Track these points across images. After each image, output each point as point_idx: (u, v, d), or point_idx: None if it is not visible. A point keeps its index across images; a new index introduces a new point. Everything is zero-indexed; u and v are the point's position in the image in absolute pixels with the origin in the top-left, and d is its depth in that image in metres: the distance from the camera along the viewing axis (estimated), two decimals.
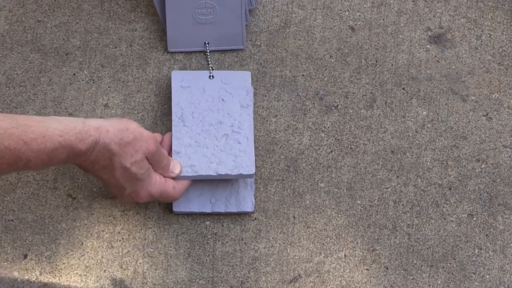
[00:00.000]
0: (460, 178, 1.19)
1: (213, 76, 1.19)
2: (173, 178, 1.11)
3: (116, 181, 1.05)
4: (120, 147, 1.02)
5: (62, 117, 1.02)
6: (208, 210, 1.15)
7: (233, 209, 1.15)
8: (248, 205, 1.15)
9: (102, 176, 1.05)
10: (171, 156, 1.13)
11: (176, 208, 1.15)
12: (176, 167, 1.11)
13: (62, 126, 0.99)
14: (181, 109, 1.16)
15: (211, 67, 1.21)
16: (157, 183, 1.09)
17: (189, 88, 1.17)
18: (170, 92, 1.20)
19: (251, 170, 1.12)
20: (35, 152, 0.96)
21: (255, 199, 1.17)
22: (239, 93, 1.17)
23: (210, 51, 1.21)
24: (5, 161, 0.95)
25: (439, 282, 1.15)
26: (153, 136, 1.07)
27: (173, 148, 1.13)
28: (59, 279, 1.14)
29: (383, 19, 1.27)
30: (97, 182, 1.18)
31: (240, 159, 1.13)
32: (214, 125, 1.15)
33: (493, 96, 1.23)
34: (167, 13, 1.17)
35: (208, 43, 1.20)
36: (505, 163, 1.20)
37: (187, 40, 1.19)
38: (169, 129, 1.19)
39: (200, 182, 1.15)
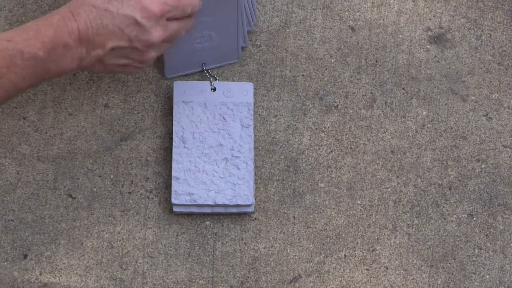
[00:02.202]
0: (460, 178, 1.19)
1: (215, 88, 1.19)
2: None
3: (121, 19, 0.99)
4: None
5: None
6: (208, 210, 1.16)
7: (233, 209, 1.16)
8: (248, 205, 1.16)
9: (106, 30, 0.98)
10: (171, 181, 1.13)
11: (176, 208, 1.15)
12: None
13: (33, 21, 0.98)
14: (182, 128, 1.16)
15: (212, 79, 1.20)
16: None
17: (190, 103, 1.17)
18: (171, 92, 1.20)
19: (249, 200, 1.14)
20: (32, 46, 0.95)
21: (255, 199, 1.17)
22: (240, 109, 1.17)
23: (207, 69, 1.21)
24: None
25: (439, 282, 1.15)
26: None
27: (173, 173, 1.15)
28: (59, 279, 1.14)
29: (383, 19, 1.27)
30: (97, 182, 1.18)
31: (238, 187, 1.15)
32: (214, 148, 1.16)
33: (493, 96, 1.23)
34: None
35: (204, 64, 1.20)
36: (505, 163, 1.20)
37: (185, 64, 1.20)
38: (169, 129, 1.19)
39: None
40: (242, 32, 1.18)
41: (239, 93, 1.19)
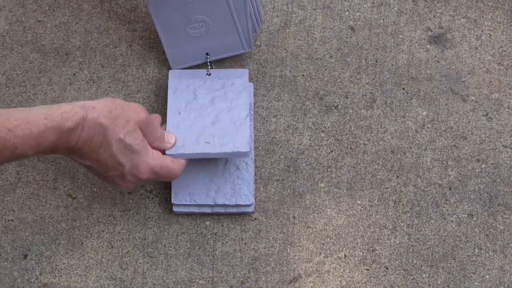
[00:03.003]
0: (460, 178, 1.19)
1: (210, 74, 1.18)
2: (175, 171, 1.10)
3: (113, 159, 1.02)
4: (110, 120, 0.99)
5: (47, 105, 1.00)
6: (208, 210, 1.16)
7: (233, 209, 1.16)
8: (248, 205, 1.16)
9: (98, 157, 1.01)
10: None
11: (176, 208, 1.15)
12: (170, 137, 1.09)
13: (46, 109, 0.96)
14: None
15: (210, 67, 1.20)
16: (155, 156, 1.05)
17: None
18: (167, 84, 1.20)
19: (249, 200, 1.14)
20: (21, 138, 0.93)
21: (255, 199, 1.17)
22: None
23: (214, 61, 1.21)
24: None
25: (439, 282, 1.15)
26: (141, 106, 1.04)
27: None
28: (59, 279, 1.14)
29: (383, 19, 1.27)
30: (97, 182, 1.18)
31: (238, 187, 1.14)
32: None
33: (493, 96, 1.23)
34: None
35: (208, 54, 1.19)
36: (505, 163, 1.20)
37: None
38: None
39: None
40: (251, 21, 1.18)
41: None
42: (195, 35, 1.17)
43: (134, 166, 1.04)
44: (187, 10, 1.14)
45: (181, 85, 1.16)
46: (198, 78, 1.17)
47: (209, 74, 1.18)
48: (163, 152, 1.09)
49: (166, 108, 1.21)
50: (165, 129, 1.12)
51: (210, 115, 1.13)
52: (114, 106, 1.00)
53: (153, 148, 1.07)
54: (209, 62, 1.20)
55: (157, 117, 1.10)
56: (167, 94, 1.21)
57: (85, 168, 1.06)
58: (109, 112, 0.99)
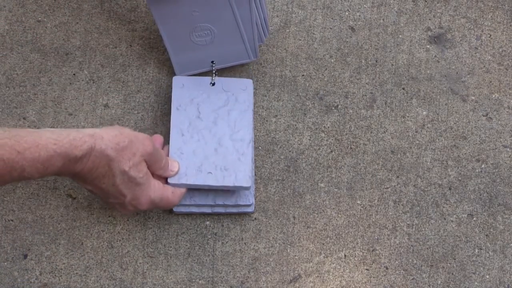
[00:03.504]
0: (460, 178, 1.19)
1: (214, 83, 1.18)
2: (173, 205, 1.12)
3: (115, 189, 1.04)
4: (117, 152, 1.01)
5: (55, 128, 1.01)
6: (208, 210, 1.16)
7: (233, 209, 1.16)
8: (248, 205, 1.16)
9: (101, 185, 1.03)
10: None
11: (176, 208, 1.15)
12: (174, 165, 1.11)
13: (56, 135, 0.98)
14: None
15: (214, 75, 1.20)
16: (157, 188, 1.08)
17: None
18: (170, 92, 1.20)
19: (249, 200, 1.14)
20: (29, 161, 0.95)
21: (255, 199, 1.17)
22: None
23: (220, 69, 1.20)
24: None
25: (439, 282, 1.15)
26: (148, 137, 1.06)
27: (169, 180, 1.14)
28: (59, 279, 1.14)
29: (383, 19, 1.27)
30: None
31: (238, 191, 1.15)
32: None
33: (493, 96, 1.23)
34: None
35: (214, 62, 1.19)
36: (505, 163, 1.20)
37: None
38: (169, 129, 1.19)
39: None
40: (256, 31, 1.17)
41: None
42: (201, 43, 1.17)
43: (135, 197, 1.06)
44: (192, 18, 1.14)
45: (184, 99, 1.16)
46: (202, 90, 1.17)
47: (213, 84, 1.18)
48: (165, 179, 1.11)
49: (166, 108, 1.21)
50: (168, 151, 1.14)
51: (213, 139, 1.14)
52: (123, 138, 1.02)
53: (156, 175, 1.09)
54: (214, 71, 1.19)
55: (159, 141, 1.13)
56: (167, 95, 1.21)
57: (87, 190, 1.07)
58: (116, 144, 1.01)
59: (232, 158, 1.12)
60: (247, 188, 1.12)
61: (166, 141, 1.17)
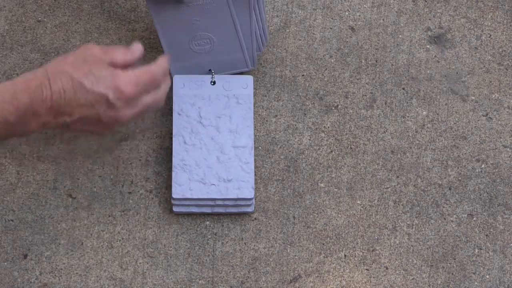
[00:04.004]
0: (460, 178, 1.19)
1: (214, 82, 1.18)
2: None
3: (93, 95, 1.00)
4: (69, 65, 1.00)
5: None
6: (208, 210, 1.15)
7: (233, 209, 1.15)
8: (248, 205, 1.15)
9: (79, 103, 1.00)
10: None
11: (176, 208, 1.15)
12: (135, 48, 1.07)
13: (10, 81, 0.99)
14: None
15: (213, 75, 1.20)
16: (129, 72, 1.03)
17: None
18: (171, 92, 1.20)
19: (249, 200, 1.14)
20: None
21: (255, 199, 1.17)
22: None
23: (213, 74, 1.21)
24: None
25: (439, 282, 1.15)
26: (92, 44, 1.04)
27: (173, 167, 1.15)
28: (59, 279, 1.14)
29: (383, 19, 1.27)
30: (97, 182, 1.18)
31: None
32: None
33: (493, 96, 1.23)
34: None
35: (212, 70, 1.19)
36: (505, 163, 1.20)
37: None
38: (169, 129, 1.19)
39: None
40: (255, 40, 1.18)
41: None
42: (200, 51, 1.17)
43: (116, 88, 1.01)
44: (192, 27, 1.14)
45: (185, 103, 1.17)
46: (202, 91, 1.17)
47: (214, 83, 1.18)
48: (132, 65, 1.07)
49: (166, 108, 1.21)
50: (172, 165, 1.15)
51: (215, 146, 1.15)
52: (66, 55, 1.01)
53: (124, 68, 1.05)
54: (213, 77, 1.19)
55: (137, 48, 1.07)
56: (167, 95, 1.21)
57: (81, 133, 1.06)
58: (64, 59, 1.01)
59: (235, 168, 1.14)
60: (250, 200, 1.14)
61: (169, 149, 1.16)
